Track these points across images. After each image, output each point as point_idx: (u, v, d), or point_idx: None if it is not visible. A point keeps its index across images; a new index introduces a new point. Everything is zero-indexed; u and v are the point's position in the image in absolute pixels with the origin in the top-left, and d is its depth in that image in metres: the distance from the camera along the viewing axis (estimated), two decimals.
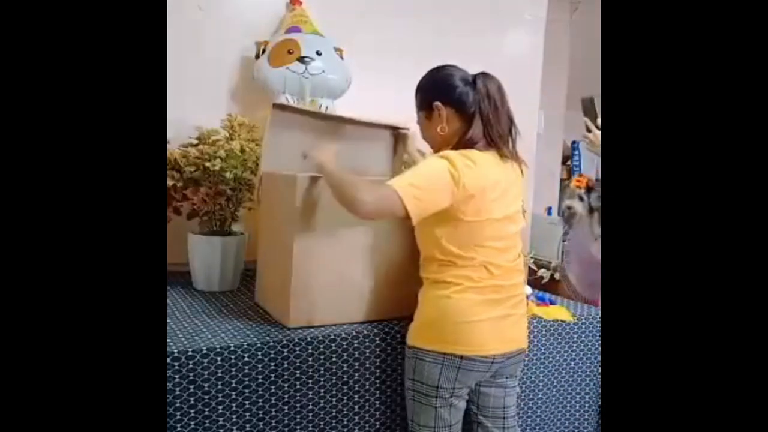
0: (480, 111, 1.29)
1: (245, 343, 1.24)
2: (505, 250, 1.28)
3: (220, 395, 1.21)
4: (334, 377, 1.33)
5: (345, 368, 1.34)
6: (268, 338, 1.27)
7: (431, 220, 1.24)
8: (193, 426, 1.19)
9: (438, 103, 1.31)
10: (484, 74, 1.33)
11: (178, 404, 1.17)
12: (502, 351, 1.26)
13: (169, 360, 1.16)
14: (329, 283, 1.39)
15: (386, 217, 1.29)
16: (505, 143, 1.31)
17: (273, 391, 1.26)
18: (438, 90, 1.33)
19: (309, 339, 1.30)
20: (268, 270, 1.51)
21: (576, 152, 3.59)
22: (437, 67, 1.38)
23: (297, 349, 1.28)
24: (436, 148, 1.35)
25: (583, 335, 1.66)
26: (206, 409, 1.20)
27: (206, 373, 1.19)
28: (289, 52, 1.81)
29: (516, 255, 1.33)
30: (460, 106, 1.30)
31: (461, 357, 1.23)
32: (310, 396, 1.31)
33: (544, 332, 1.60)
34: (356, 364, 1.36)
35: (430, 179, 1.21)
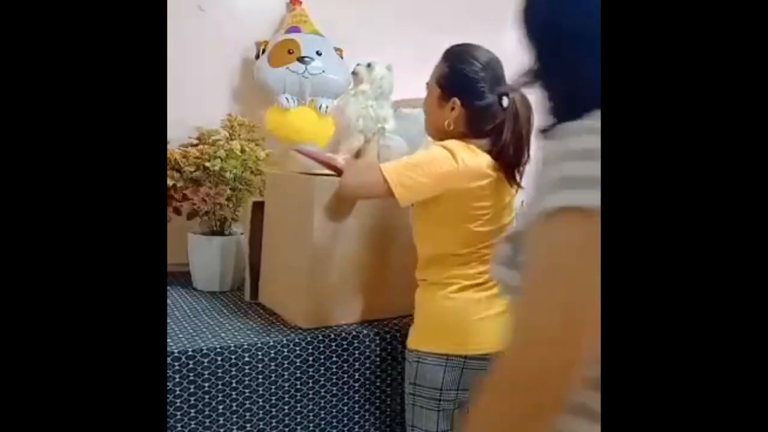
0: (501, 135, 1.18)
1: (245, 343, 1.24)
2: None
3: (220, 395, 1.21)
4: (334, 377, 1.33)
5: (345, 368, 1.34)
6: (268, 338, 1.27)
7: (432, 218, 1.24)
8: (193, 426, 1.19)
9: (456, 100, 1.20)
10: (520, 94, 1.16)
11: (178, 404, 1.17)
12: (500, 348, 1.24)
13: (169, 360, 1.16)
14: (344, 282, 1.39)
15: (371, 197, 1.30)
16: (517, 171, 1.23)
17: (273, 391, 1.26)
18: (463, 87, 1.19)
19: (309, 339, 1.30)
20: (277, 270, 1.50)
21: None
22: (475, 52, 1.20)
23: (297, 348, 1.28)
24: (436, 135, 1.28)
25: None
26: (207, 409, 1.20)
27: (207, 373, 1.19)
28: (289, 52, 1.81)
29: None
30: (478, 115, 1.19)
31: (465, 357, 1.22)
32: (311, 396, 1.31)
33: None
34: (356, 363, 1.35)
35: (426, 162, 1.15)
